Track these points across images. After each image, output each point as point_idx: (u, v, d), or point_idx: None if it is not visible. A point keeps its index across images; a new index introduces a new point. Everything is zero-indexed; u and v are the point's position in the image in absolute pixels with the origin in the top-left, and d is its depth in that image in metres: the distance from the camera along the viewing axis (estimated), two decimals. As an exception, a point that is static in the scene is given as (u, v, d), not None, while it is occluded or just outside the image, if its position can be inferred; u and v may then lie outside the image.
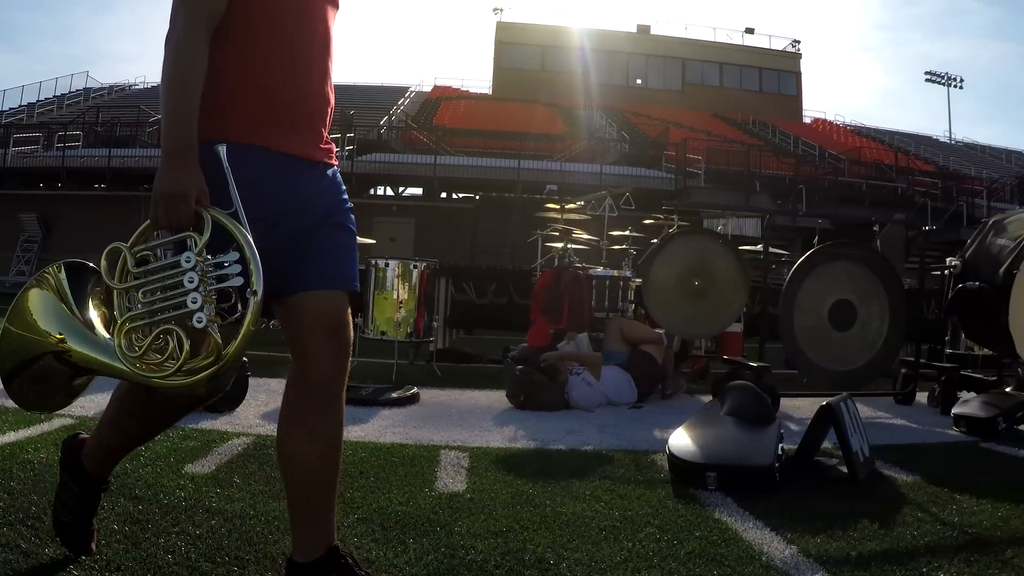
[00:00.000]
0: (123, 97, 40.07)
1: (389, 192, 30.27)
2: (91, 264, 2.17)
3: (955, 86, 64.85)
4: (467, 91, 46.84)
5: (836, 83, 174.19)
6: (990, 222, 7.20)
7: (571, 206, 9.24)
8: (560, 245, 9.15)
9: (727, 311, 6.85)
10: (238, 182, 1.95)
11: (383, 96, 41.80)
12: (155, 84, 41.48)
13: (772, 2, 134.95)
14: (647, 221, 9.13)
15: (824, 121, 48.36)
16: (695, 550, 2.80)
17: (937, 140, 50.84)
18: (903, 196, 27.02)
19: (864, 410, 6.65)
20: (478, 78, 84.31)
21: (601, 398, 6.20)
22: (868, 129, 47.12)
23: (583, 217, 9.70)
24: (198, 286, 1.87)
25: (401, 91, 45.16)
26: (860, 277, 6.70)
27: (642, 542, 2.88)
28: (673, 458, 3.84)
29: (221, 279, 1.89)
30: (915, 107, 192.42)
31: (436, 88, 46.96)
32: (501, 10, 49.50)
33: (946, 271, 7.20)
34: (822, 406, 4.08)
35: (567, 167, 26.47)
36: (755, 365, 6.13)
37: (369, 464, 3.89)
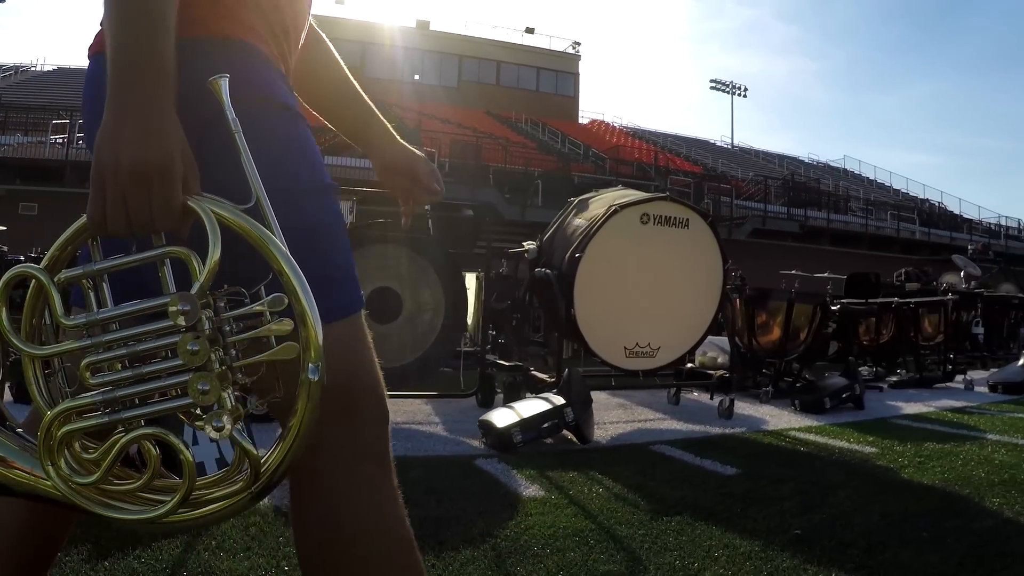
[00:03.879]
0: None
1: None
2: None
3: (739, 95, 69.17)
4: (239, 81, 44.77)
5: (636, 88, 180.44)
6: (575, 201, 6.17)
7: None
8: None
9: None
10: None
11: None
12: None
13: (556, 6, 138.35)
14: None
15: (601, 122, 49.39)
16: None
17: (714, 144, 52.95)
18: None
19: (424, 412, 5.83)
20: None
21: None
22: (644, 131, 48.64)
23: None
24: (207, 361, 0.97)
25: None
26: (407, 263, 5.75)
27: None
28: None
29: (252, 347, 1.01)
30: (712, 114, 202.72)
31: (204, 78, 44.50)
32: (276, -1, 47.44)
33: (525, 255, 6.13)
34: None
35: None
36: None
37: None
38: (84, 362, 1.00)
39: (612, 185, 27.96)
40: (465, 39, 48.21)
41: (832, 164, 57.73)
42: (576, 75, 50.93)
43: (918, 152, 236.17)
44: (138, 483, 1.04)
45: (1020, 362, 9.18)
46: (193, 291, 0.97)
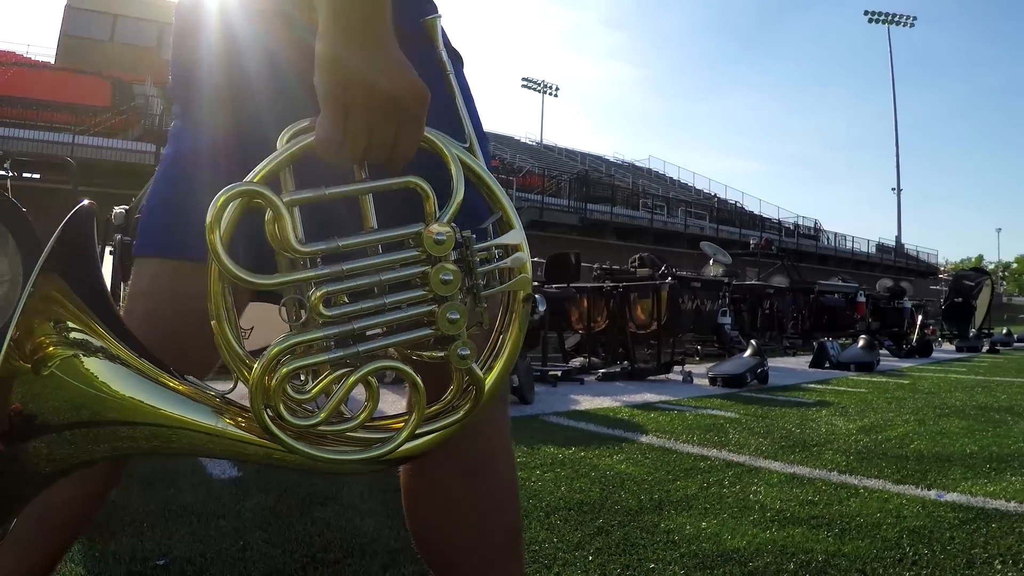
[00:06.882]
0: None
1: None
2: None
3: (550, 94, 71.53)
4: (28, 58, 42.43)
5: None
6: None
7: None
8: None
9: None
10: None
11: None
12: None
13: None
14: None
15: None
16: None
17: (518, 141, 53.57)
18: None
19: None
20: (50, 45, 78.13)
21: None
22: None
23: None
24: (456, 289, 0.96)
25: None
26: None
27: None
28: None
29: (489, 279, 1.01)
30: (529, 114, 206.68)
31: (-4, 53, 43.01)
32: (75, -29, 44.66)
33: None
34: None
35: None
36: None
37: None
38: (319, 293, 0.91)
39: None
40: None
41: (637, 164, 59.39)
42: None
43: (735, 158, 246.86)
44: (357, 420, 0.97)
45: (747, 353, 8.72)
46: (444, 220, 0.95)
